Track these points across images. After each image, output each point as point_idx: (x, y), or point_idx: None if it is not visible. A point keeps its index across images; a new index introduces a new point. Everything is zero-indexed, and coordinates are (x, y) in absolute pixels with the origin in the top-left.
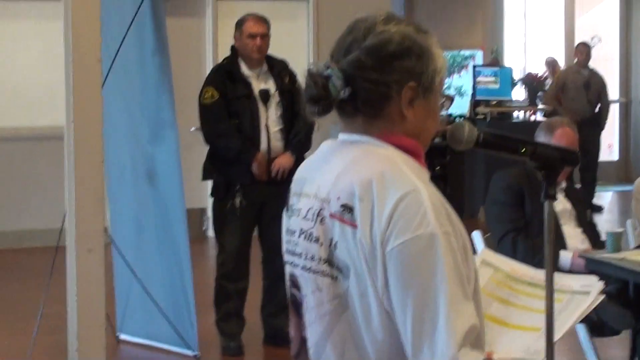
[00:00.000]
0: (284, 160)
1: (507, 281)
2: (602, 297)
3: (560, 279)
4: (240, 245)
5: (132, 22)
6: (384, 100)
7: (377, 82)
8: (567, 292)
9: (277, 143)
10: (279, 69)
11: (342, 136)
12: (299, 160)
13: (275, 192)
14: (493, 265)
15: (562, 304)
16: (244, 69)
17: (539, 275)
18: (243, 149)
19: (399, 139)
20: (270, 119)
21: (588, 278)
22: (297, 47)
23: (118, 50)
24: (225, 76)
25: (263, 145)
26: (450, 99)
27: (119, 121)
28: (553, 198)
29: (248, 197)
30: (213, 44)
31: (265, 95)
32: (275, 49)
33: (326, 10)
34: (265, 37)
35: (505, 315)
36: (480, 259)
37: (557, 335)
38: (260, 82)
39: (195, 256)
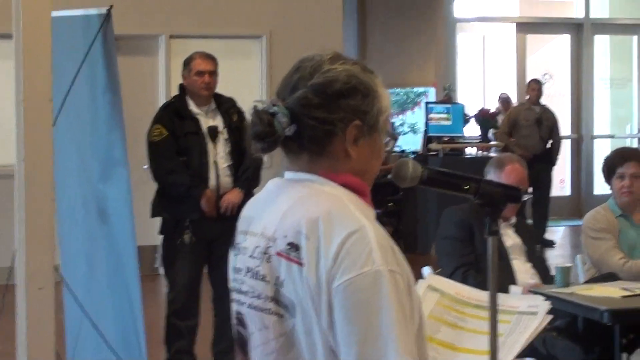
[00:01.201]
0: (233, 196)
1: (453, 305)
2: (550, 317)
3: (505, 300)
4: (190, 283)
5: (83, 60)
6: (329, 138)
7: (323, 120)
8: (513, 312)
9: (226, 179)
10: (227, 107)
11: (288, 174)
12: (247, 196)
13: (224, 228)
14: (439, 289)
15: (509, 326)
16: (192, 106)
17: (485, 297)
18: (192, 185)
19: (345, 178)
20: (219, 155)
21: (534, 298)
22: (251, 84)
23: (69, 89)
24: (174, 114)
25: (212, 181)
26: (395, 138)
27: (69, 159)
28: (496, 234)
29: (197, 233)
30: (166, 82)
31: (213, 132)
32: (229, 87)
33: (279, 48)
34: (214, 74)
35: (454, 340)
36: (426, 284)
37: (509, 357)
38: (209, 119)
39: (147, 293)
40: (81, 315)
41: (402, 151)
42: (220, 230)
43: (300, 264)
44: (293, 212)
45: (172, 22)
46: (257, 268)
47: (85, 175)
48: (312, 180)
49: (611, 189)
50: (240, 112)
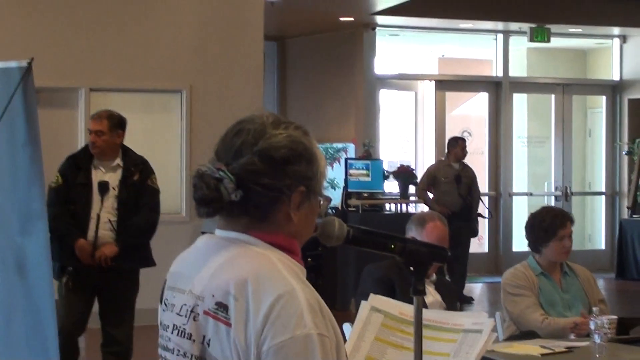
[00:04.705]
0: (106, 249)
1: (398, 325)
2: (495, 334)
3: (451, 317)
4: (68, 325)
5: (3, 112)
6: (274, 204)
7: (270, 187)
8: (458, 331)
9: (105, 232)
10: (130, 164)
11: (220, 232)
12: (124, 251)
13: (106, 278)
14: (382, 310)
15: (455, 345)
16: (95, 159)
17: (429, 315)
18: (66, 232)
19: (277, 238)
20: (105, 209)
21: (478, 315)
22: (170, 138)
23: None
24: (74, 164)
25: (91, 232)
26: (329, 200)
27: None
28: (422, 293)
29: (76, 279)
30: (85, 135)
31: (103, 186)
32: (149, 140)
33: (199, 103)
34: (100, 133)
35: None
36: (369, 305)
37: None
38: (104, 174)
39: None
40: None
41: None
42: (104, 279)
43: (228, 324)
44: (222, 272)
45: (93, 75)
46: (183, 326)
47: (4, 228)
48: (244, 240)
49: (539, 250)
50: (144, 172)
